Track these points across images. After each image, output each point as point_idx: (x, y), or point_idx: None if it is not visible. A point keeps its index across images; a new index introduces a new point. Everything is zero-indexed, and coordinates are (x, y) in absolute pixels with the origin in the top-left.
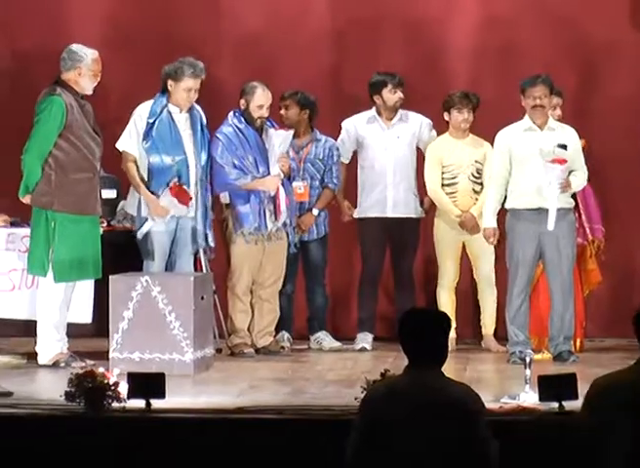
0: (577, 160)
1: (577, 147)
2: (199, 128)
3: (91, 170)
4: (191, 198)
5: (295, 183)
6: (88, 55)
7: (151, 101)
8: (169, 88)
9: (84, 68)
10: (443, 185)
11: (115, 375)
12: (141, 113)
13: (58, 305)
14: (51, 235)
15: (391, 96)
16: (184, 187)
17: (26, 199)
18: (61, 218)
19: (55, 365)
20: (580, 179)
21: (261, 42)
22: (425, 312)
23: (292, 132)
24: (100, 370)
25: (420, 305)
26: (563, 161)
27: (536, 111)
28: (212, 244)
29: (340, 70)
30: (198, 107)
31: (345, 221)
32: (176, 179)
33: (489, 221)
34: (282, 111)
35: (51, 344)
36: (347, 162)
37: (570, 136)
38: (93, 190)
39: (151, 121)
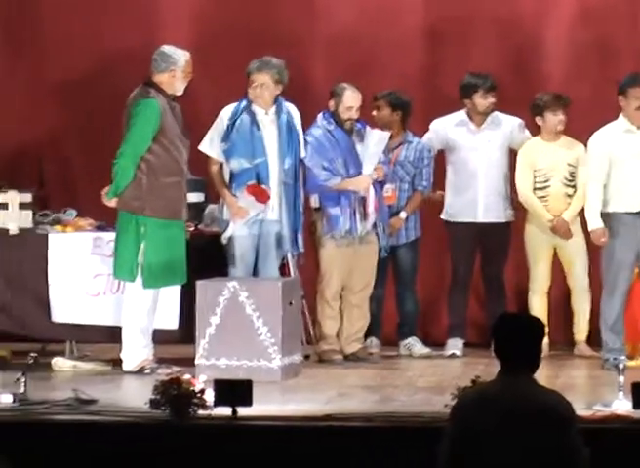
0: None
1: None
2: (286, 128)
3: (180, 174)
4: (269, 196)
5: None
6: (181, 56)
7: (236, 103)
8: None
9: (177, 70)
10: (535, 189)
11: (201, 382)
12: (224, 115)
13: (145, 311)
14: (141, 240)
15: (482, 101)
16: (262, 186)
17: (113, 202)
18: (152, 223)
19: (140, 371)
20: None
21: (354, 41)
22: (519, 317)
23: (388, 134)
24: (186, 376)
25: (511, 311)
26: None
27: (639, 112)
28: (301, 249)
29: (433, 69)
30: (290, 107)
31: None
32: (254, 181)
33: (595, 223)
34: (374, 112)
35: (136, 350)
36: None
37: None
38: (181, 195)
39: (232, 123)
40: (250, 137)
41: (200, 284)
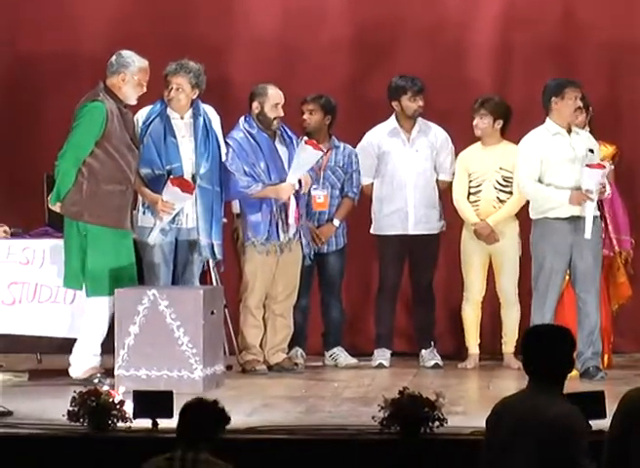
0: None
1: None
2: (202, 132)
3: (125, 182)
4: (194, 187)
5: (314, 192)
6: (135, 61)
7: (151, 106)
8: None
9: (128, 75)
10: (469, 194)
11: (121, 394)
12: (139, 117)
13: (103, 319)
14: (83, 246)
15: (410, 104)
16: (184, 178)
17: (57, 207)
18: (93, 230)
19: (88, 379)
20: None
21: (275, 46)
22: (550, 328)
23: (322, 153)
24: (105, 388)
25: (436, 320)
26: (602, 166)
27: (576, 113)
28: (219, 256)
29: (358, 76)
30: (208, 109)
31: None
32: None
33: (564, 195)
34: (305, 116)
35: (88, 358)
36: (371, 181)
37: (592, 139)
38: (125, 204)
39: (145, 127)
40: (163, 143)
41: (119, 292)
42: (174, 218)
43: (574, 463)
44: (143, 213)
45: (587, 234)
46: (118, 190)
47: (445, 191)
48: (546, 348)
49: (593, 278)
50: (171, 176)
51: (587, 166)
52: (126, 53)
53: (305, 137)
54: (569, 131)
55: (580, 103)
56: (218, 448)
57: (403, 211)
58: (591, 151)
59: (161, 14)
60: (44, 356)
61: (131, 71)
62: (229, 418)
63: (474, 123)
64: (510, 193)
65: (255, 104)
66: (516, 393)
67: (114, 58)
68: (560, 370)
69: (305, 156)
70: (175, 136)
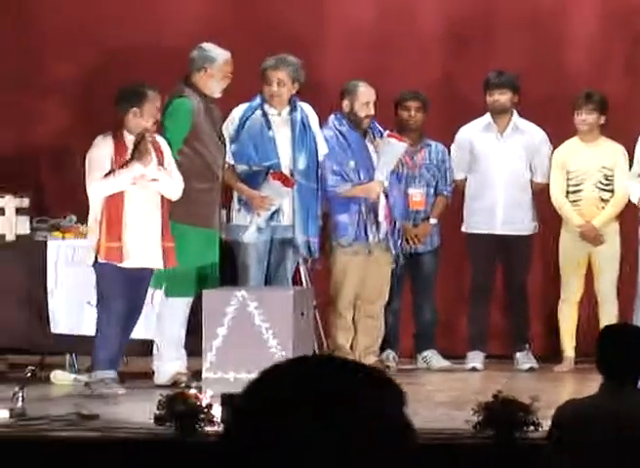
0: None
1: None
2: (301, 128)
3: (213, 179)
4: (294, 182)
5: (411, 190)
6: (219, 55)
7: (248, 103)
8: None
9: (214, 70)
10: (568, 193)
11: (208, 397)
12: (235, 115)
13: (178, 321)
14: None
15: (488, 98)
16: (284, 173)
17: None
18: (180, 230)
19: (174, 385)
20: None
21: (367, 43)
22: (626, 327)
23: (406, 145)
24: (193, 391)
25: (531, 322)
26: None
27: None
28: (315, 254)
29: (452, 73)
30: (305, 107)
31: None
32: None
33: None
34: (412, 112)
35: (170, 364)
36: (464, 176)
37: None
38: (214, 202)
39: (242, 123)
40: (260, 139)
41: (206, 293)
42: (271, 215)
43: None
44: (238, 210)
45: None
46: (207, 188)
47: (540, 192)
48: (626, 347)
49: None
50: (271, 171)
51: None
52: (207, 46)
53: (387, 131)
54: None
55: None
56: None
57: (491, 209)
58: None
59: (244, 10)
60: (130, 358)
61: (216, 66)
62: None
63: (581, 118)
64: (612, 192)
65: (345, 102)
66: (589, 397)
67: (196, 52)
68: (637, 370)
69: (390, 150)
70: (273, 132)
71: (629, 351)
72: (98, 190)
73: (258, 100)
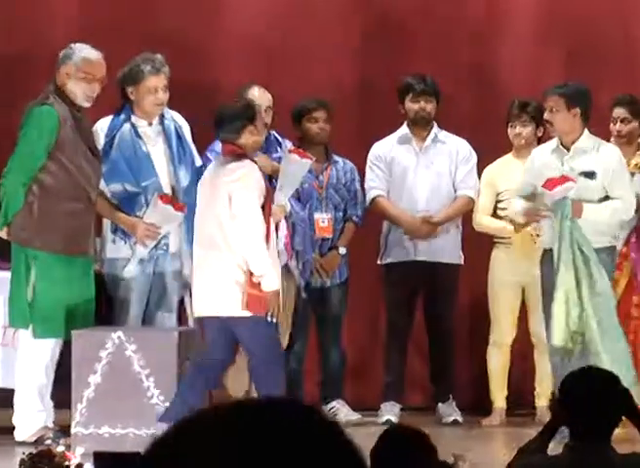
0: None
1: None
2: (176, 139)
3: (84, 200)
4: (184, 204)
5: (317, 215)
6: (79, 51)
7: (112, 115)
8: (130, 97)
9: (72, 67)
10: (494, 215)
11: (78, 456)
12: (98, 129)
13: (41, 367)
14: (31, 278)
15: (412, 105)
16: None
17: (3, 232)
18: (44, 258)
19: (38, 442)
20: None
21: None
22: (594, 373)
23: (311, 162)
24: (60, 448)
25: (457, 367)
26: None
27: None
28: None
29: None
30: (176, 116)
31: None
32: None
33: None
34: (320, 124)
35: (32, 416)
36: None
37: None
38: (86, 226)
39: (110, 139)
40: (134, 155)
41: (77, 334)
42: (155, 244)
43: None
44: (113, 241)
45: None
46: (76, 209)
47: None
48: (593, 398)
49: None
50: (156, 193)
51: None
52: (75, 45)
53: (289, 145)
54: None
55: None
56: None
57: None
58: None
59: (126, 10)
60: None
61: (74, 62)
62: None
63: (516, 131)
64: None
65: None
66: (550, 458)
67: (62, 51)
68: (611, 422)
69: (293, 169)
70: (146, 147)
71: (599, 401)
72: None
73: (124, 112)
